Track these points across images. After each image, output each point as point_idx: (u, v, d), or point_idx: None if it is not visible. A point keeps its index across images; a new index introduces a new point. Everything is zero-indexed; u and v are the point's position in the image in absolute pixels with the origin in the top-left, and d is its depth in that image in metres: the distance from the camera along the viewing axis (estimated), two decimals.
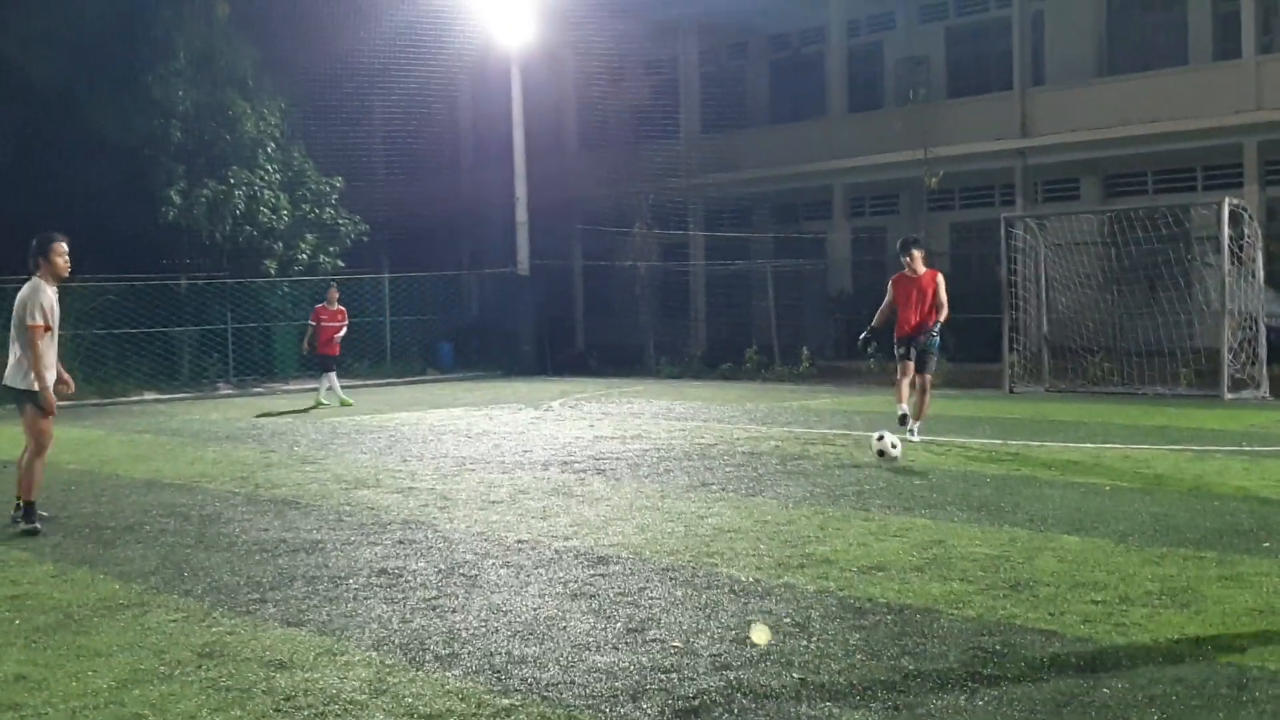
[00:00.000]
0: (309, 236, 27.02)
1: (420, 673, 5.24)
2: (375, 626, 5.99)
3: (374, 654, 5.52)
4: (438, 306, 29.89)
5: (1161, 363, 19.28)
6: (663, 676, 5.10)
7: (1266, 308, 18.95)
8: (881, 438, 11.25)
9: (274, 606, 6.44)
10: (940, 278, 13.47)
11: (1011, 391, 19.79)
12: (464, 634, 5.82)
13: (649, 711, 4.70)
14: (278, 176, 26.68)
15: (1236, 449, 12.02)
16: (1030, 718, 4.54)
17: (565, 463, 12.05)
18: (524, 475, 11.24)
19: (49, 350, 8.79)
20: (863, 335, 13.98)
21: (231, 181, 25.67)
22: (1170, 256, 19.90)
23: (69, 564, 7.72)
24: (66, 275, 8.99)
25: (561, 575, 7.02)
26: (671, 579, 6.87)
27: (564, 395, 21.31)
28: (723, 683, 5.00)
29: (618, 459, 12.22)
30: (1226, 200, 18.58)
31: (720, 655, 5.37)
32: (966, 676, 4.99)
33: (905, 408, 13.25)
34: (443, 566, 7.33)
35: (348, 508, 9.62)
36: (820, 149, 28.99)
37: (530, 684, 5.05)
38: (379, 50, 29.08)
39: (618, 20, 29.40)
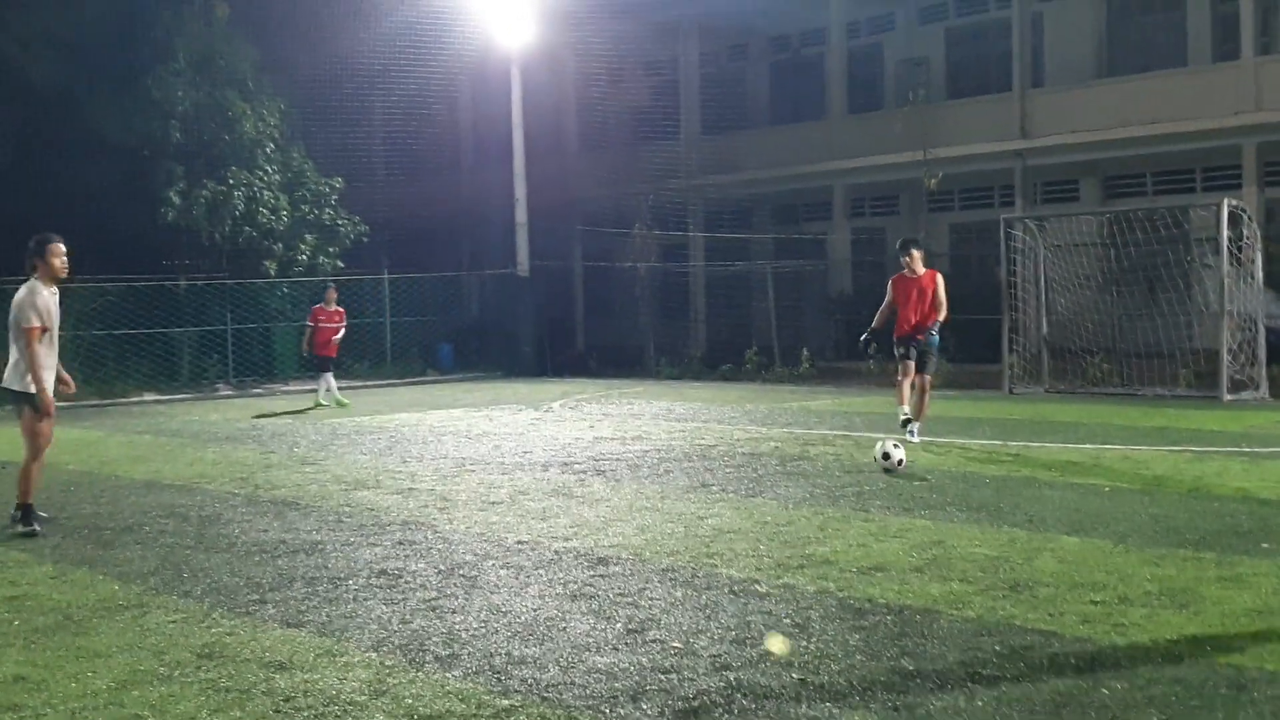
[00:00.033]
0: (308, 237, 27.02)
1: (420, 674, 5.24)
2: (375, 627, 5.99)
3: (374, 655, 5.52)
4: (438, 307, 29.88)
5: (1161, 364, 19.29)
6: (662, 677, 5.10)
7: (1266, 309, 18.95)
8: (897, 446, 10.91)
9: (273, 607, 6.44)
10: (940, 278, 13.48)
11: (1011, 392, 19.78)
12: (464, 635, 5.82)
13: (649, 712, 4.71)
14: (277, 177, 26.67)
15: (1236, 450, 12.02)
16: (1029, 718, 4.54)
17: (565, 464, 12.06)
18: (524, 476, 11.24)
19: (49, 353, 8.78)
20: (864, 337, 13.97)
21: (231, 182, 25.67)
22: (1169, 258, 19.90)
23: (68, 565, 7.72)
24: (64, 276, 8.97)
25: (561, 576, 7.02)
26: (671, 580, 6.88)
27: (564, 396, 21.32)
28: (722, 683, 5.00)
29: (618, 460, 12.22)
30: (1225, 201, 18.58)
31: (720, 656, 5.37)
32: (966, 677, 5.00)
33: (907, 410, 13.24)
34: (442, 567, 7.34)
35: (347, 509, 9.62)
36: (820, 150, 28.99)
37: (530, 685, 5.05)
38: (379, 51, 29.09)
39: (618, 21, 29.41)
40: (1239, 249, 18.55)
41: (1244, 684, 4.83)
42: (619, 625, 5.93)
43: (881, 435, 13.38)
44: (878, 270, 26.04)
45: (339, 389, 21.04)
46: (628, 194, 29.73)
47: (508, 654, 5.49)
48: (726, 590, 6.60)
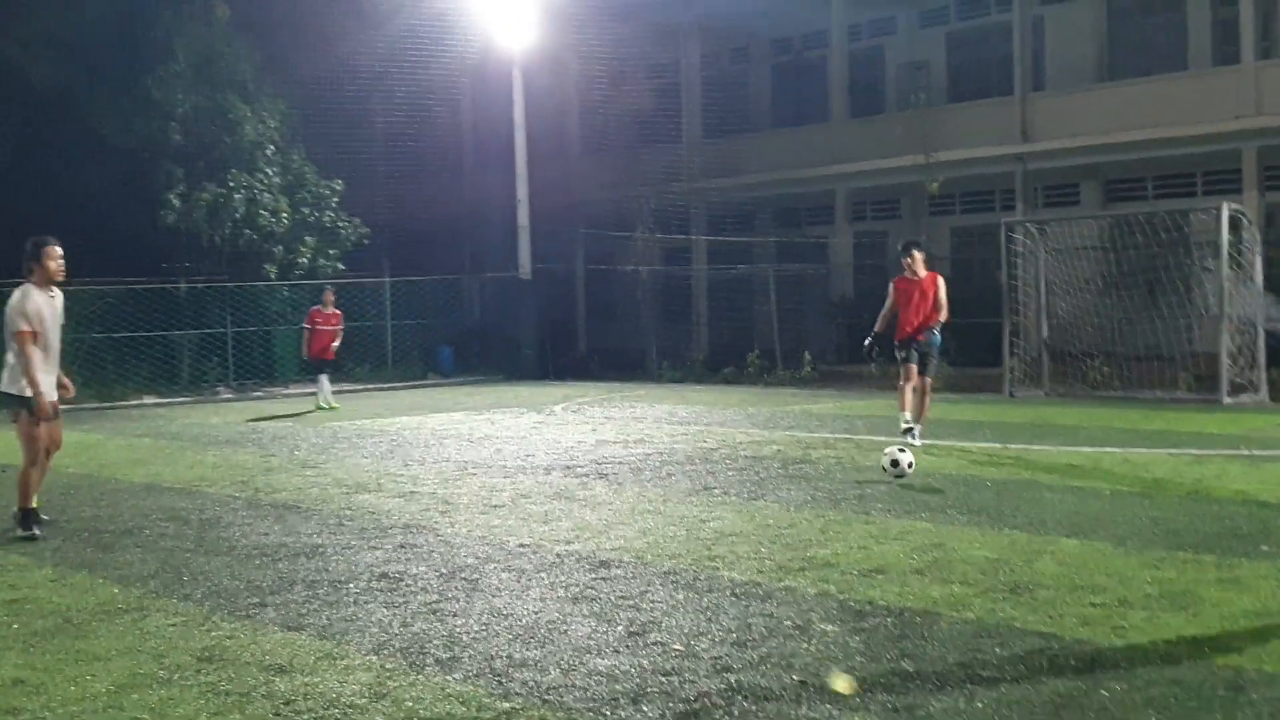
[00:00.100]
0: (309, 240, 27.03)
1: (420, 676, 5.24)
2: (375, 630, 5.99)
3: (374, 658, 5.52)
4: (439, 310, 29.89)
5: (1161, 367, 19.29)
6: (663, 679, 5.10)
7: (1266, 313, 18.96)
8: (902, 450, 10.56)
9: (274, 611, 6.45)
10: (940, 280, 13.48)
11: (1011, 396, 19.79)
12: (465, 638, 5.82)
13: (649, 714, 4.71)
14: (278, 180, 26.69)
15: (1235, 453, 12.02)
16: (1029, 719, 4.55)
17: (567, 467, 12.06)
18: (526, 479, 11.25)
19: (48, 356, 8.75)
20: (867, 341, 13.91)
21: (231, 185, 25.68)
22: (1170, 261, 19.91)
23: (68, 568, 7.73)
24: (60, 279, 8.94)
25: (563, 579, 7.03)
26: (673, 582, 6.88)
27: (566, 399, 21.32)
28: (723, 685, 5.00)
29: (620, 463, 12.22)
30: (1226, 205, 18.60)
31: (721, 658, 5.38)
32: (966, 679, 5.00)
33: (909, 417, 13.22)
34: (444, 570, 7.34)
35: (348, 512, 9.62)
36: (822, 154, 29.01)
37: (531, 687, 5.05)
38: (380, 53, 29.11)
39: (619, 24, 29.43)
40: (1239, 253, 18.56)
41: (1243, 685, 4.83)
42: (620, 628, 5.93)
43: (882, 438, 13.42)
44: (879, 274, 26.03)
45: (332, 392, 20.98)
46: (629, 197, 29.74)
47: (509, 657, 5.49)
48: (728, 593, 6.60)
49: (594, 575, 7.10)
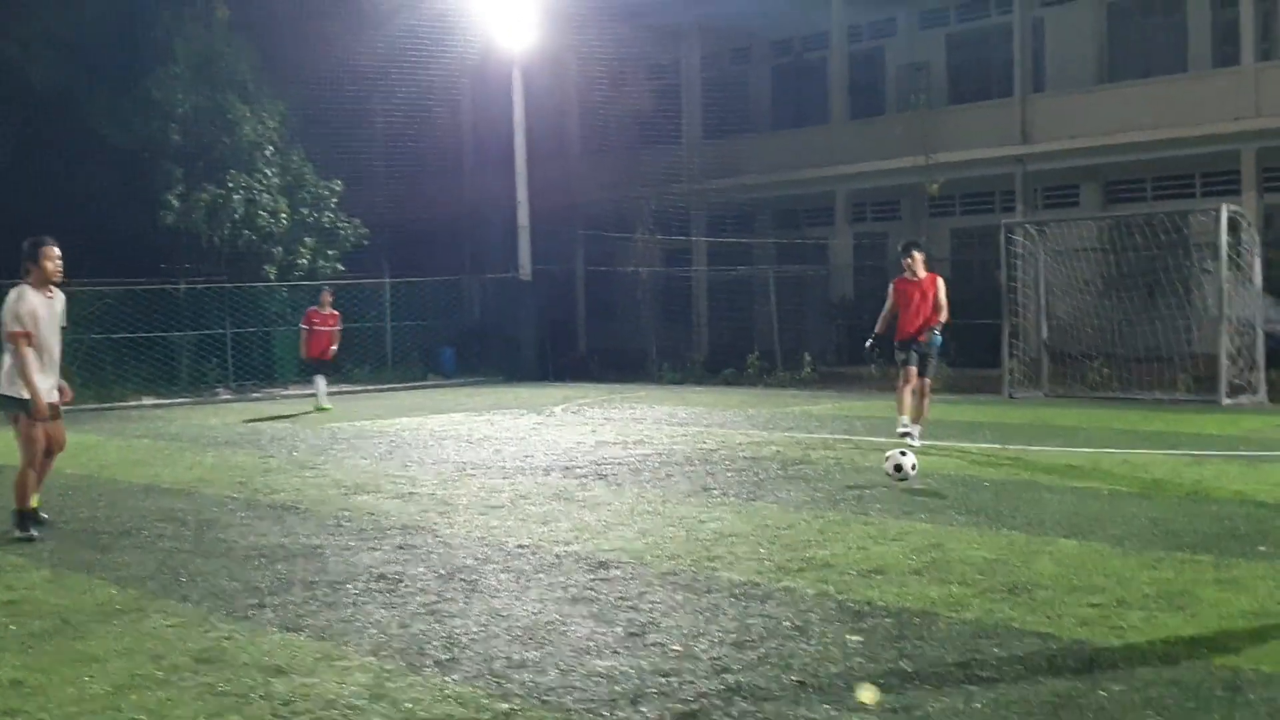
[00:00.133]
0: (308, 240, 27.02)
1: (419, 678, 5.24)
2: (374, 631, 5.99)
3: (372, 659, 5.52)
4: (439, 311, 29.88)
5: (1160, 368, 19.30)
6: (662, 680, 5.10)
7: (1265, 314, 18.96)
8: (904, 454, 10.30)
9: (272, 612, 6.44)
10: (940, 281, 13.48)
11: (1011, 396, 19.79)
12: (463, 639, 5.82)
13: (648, 715, 4.71)
14: (277, 180, 26.69)
15: (1234, 454, 12.03)
16: (1027, 719, 4.55)
17: (567, 468, 12.06)
18: (525, 480, 11.25)
19: (43, 357, 8.71)
20: (869, 343, 13.86)
21: (230, 185, 25.68)
22: (1169, 263, 19.92)
23: (66, 569, 7.72)
24: (57, 279, 8.92)
25: (562, 580, 7.02)
26: (672, 583, 6.88)
27: (565, 400, 21.32)
28: (722, 686, 5.01)
29: (619, 464, 12.22)
30: (1225, 207, 18.61)
31: (720, 659, 5.38)
32: (964, 679, 5.00)
33: (906, 420, 13.21)
34: (442, 571, 7.34)
35: (347, 513, 9.62)
36: (822, 155, 29.02)
37: (529, 688, 5.05)
38: (380, 54, 29.10)
39: (619, 25, 29.44)
40: (1238, 254, 18.57)
41: (1240, 686, 4.83)
42: (619, 629, 5.93)
43: (881, 439, 13.42)
44: (879, 275, 26.04)
45: (328, 394, 20.92)
46: (630, 198, 29.75)
47: (507, 658, 5.49)
48: (727, 593, 6.60)
49: (593, 576, 7.10)
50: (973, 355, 22.00)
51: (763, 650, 5.49)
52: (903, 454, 10.33)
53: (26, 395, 8.59)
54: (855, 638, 5.66)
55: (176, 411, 21.70)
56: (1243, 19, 23.94)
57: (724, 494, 10.12)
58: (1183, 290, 20.20)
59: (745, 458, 12.51)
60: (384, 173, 32.63)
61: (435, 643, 5.76)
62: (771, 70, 33.10)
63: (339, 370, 22.91)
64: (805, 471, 11.36)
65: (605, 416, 18.05)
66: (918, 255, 13.44)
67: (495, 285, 30.93)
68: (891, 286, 13.64)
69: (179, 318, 25.54)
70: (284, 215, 26.42)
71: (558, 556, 7.69)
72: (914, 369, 13.23)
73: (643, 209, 29.20)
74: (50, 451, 9.09)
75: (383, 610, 6.41)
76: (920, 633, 5.72)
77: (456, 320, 30.96)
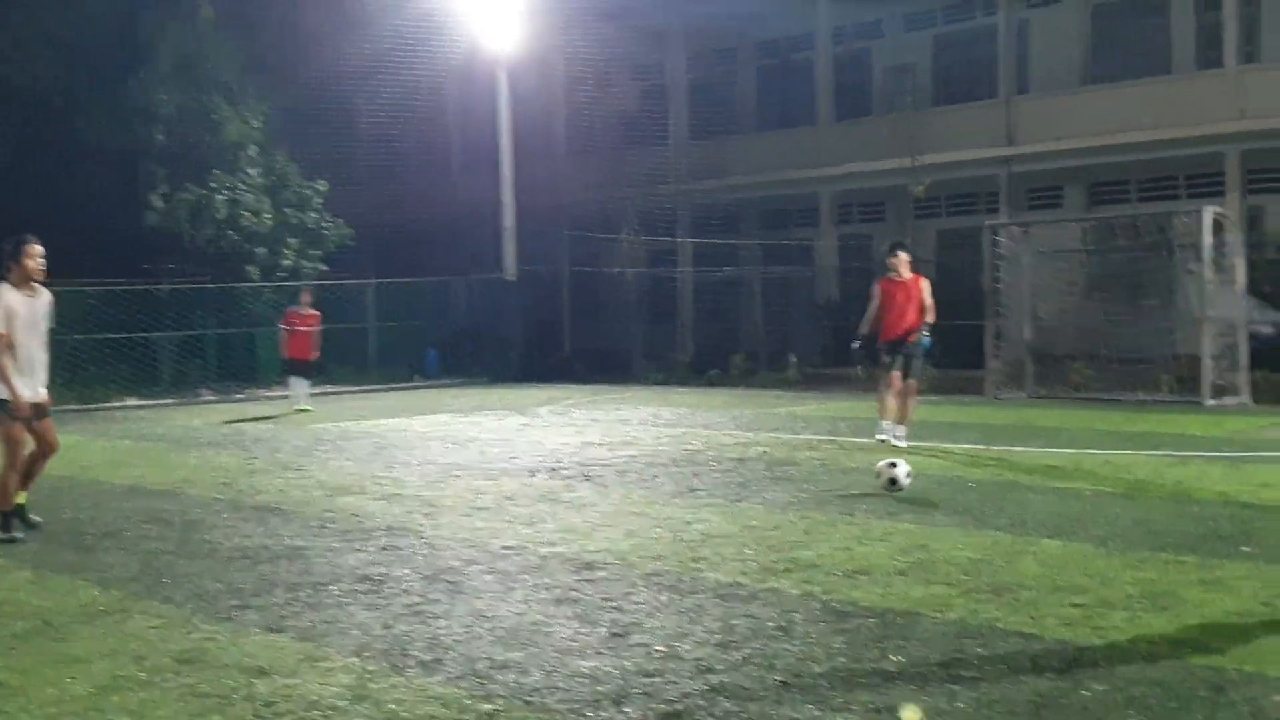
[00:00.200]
0: (292, 241, 26.93)
1: (402, 679, 5.22)
2: (357, 633, 5.97)
3: (355, 660, 5.50)
4: (423, 312, 29.81)
5: (1143, 369, 19.37)
6: (646, 681, 5.10)
7: (1249, 316, 19.05)
8: (894, 465, 9.91)
9: (255, 613, 6.42)
10: (925, 282, 13.50)
11: (995, 398, 19.85)
12: (447, 640, 5.81)
13: (632, 716, 4.70)
14: (260, 181, 26.59)
15: (1217, 455, 12.09)
16: (1010, 719, 4.56)
17: (552, 469, 12.05)
18: (510, 482, 11.23)
19: (17, 354, 8.63)
20: (855, 345, 13.81)
21: (213, 185, 25.59)
22: (1153, 264, 20.00)
23: (48, 570, 7.68)
24: (39, 278, 8.86)
25: (546, 581, 7.01)
26: (656, 584, 6.88)
27: (551, 401, 21.30)
28: (706, 686, 5.01)
29: (605, 465, 12.22)
30: (1208, 209, 18.69)
31: (704, 659, 5.38)
32: (947, 679, 5.01)
33: (886, 425, 13.22)
34: (427, 573, 7.32)
35: (331, 514, 9.59)
36: (808, 156, 29.05)
37: (513, 689, 5.04)
38: (365, 54, 29.03)
39: (604, 26, 29.42)
40: (1222, 256, 18.65)
41: (1223, 686, 4.85)
42: (603, 630, 5.92)
43: (866, 440, 13.46)
44: (865, 277, 26.02)
45: (310, 394, 20.82)
46: (615, 199, 29.74)
47: (491, 659, 5.48)
48: (711, 594, 6.60)
49: (578, 577, 7.09)
50: (957, 356, 22.04)
51: (747, 651, 5.49)
52: (893, 465, 9.98)
53: (5, 395, 8.53)
54: (839, 638, 5.67)
55: (159, 412, 21.61)
56: (1226, 22, 24.06)
57: (709, 495, 10.12)
58: (1167, 291, 20.27)
59: (730, 459, 12.51)
60: (369, 173, 32.53)
61: (419, 644, 5.74)
62: (757, 71, 33.12)
63: (322, 371, 22.80)
64: (790, 472, 11.37)
65: (590, 418, 18.04)
66: (903, 256, 13.47)
67: (480, 286, 30.87)
68: (877, 287, 13.66)
69: (162, 318, 25.40)
70: (267, 215, 26.33)
71: (542, 558, 7.68)
72: (898, 373, 13.25)
73: (628, 210, 29.18)
74: (44, 453, 9.04)
75: (366, 611, 6.39)
76: (904, 633, 5.73)
77: (441, 321, 30.90)
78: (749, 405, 19.75)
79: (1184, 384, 18.70)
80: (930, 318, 13.37)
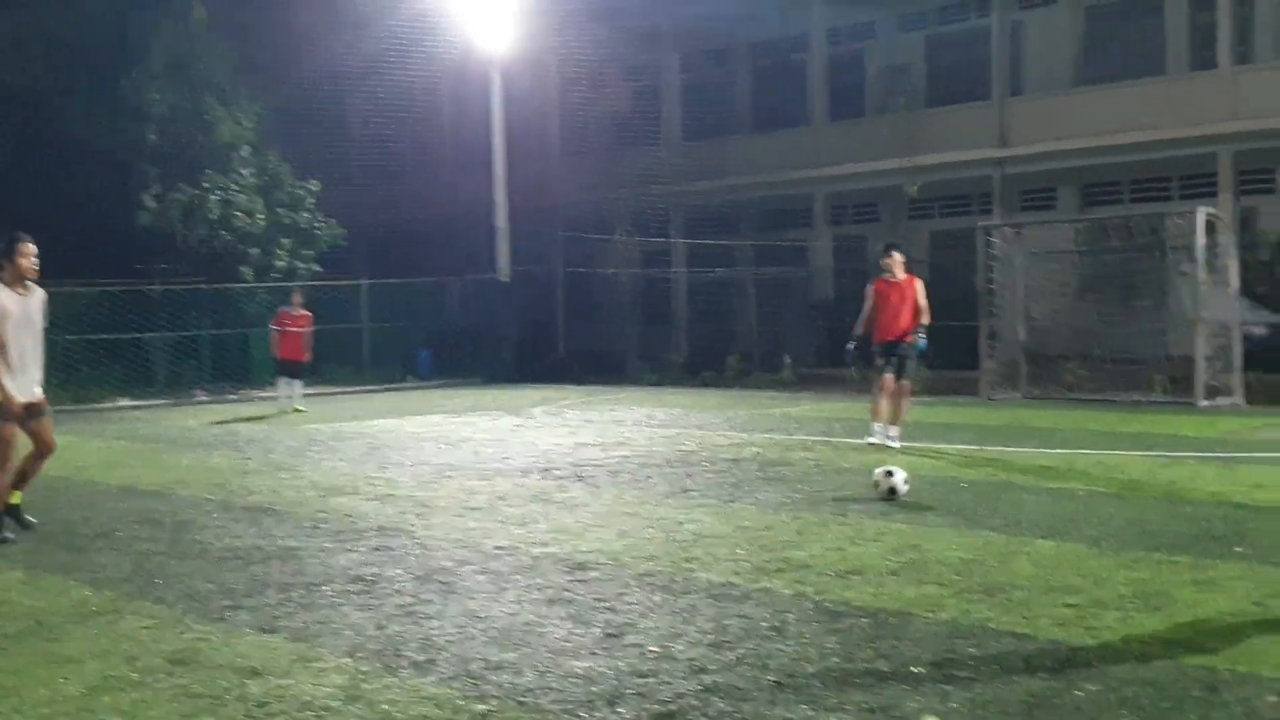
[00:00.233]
0: (285, 241, 26.88)
1: (395, 679, 5.21)
2: (350, 633, 5.96)
3: (348, 660, 5.49)
4: (417, 313, 29.78)
5: (1137, 370, 19.40)
6: (639, 681, 5.10)
7: (1242, 317, 19.09)
8: (890, 474, 9.65)
9: (247, 613, 6.40)
10: (919, 283, 13.51)
11: (989, 398, 19.87)
12: (440, 640, 5.80)
13: (625, 716, 4.70)
14: (253, 181, 26.55)
15: (1210, 455, 12.11)
16: (1003, 719, 4.56)
17: (545, 469, 12.04)
18: (503, 482, 11.22)
19: (6, 353, 8.59)
20: (851, 346, 13.77)
21: (206, 186, 25.55)
22: (1146, 265, 20.03)
23: (41, 571, 7.66)
24: (32, 276, 8.84)
25: (539, 581, 7.01)
26: (649, 584, 6.87)
27: (545, 402, 21.29)
28: (699, 686, 5.00)
29: (598, 466, 12.21)
30: (1201, 210, 18.73)
31: (697, 659, 5.37)
32: (940, 678, 5.01)
33: (878, 428, 13.22)
34: (419, 573, 7.31)
35: (324, 515, 9.57)
36: (802, 157, 29.06)
37: (506, 690, 5.03)
38: (358, 55, 29.00)
39: (598, 27, 29.42)
40: (1215, 257, 18.68)
41: (1216, 686, 4.85)
42: (596, 630, 5.92)
43: (860, 441, 13.45)
44: (859, 277, 25.99)
45: (288, 396, 20.73)
46: (609, 199, 29.73)
47: (484, 659, 5.47)
48: (704, 594, 6.59)
49: (571, 577, 7.08)
50: (951, 357, 22.03)
51: (740, 651, 5.49)
52: (890, 474, 9.68)
53: None
54: (832, 638, 5.67)
55: (153, 413, 21.57)
56: (1219, 22, 24.11)
57: (702, 495, 10.12)
58: (1160, 292, 20.30)
59: (724, 459, 12.51)
60: (362, 174, 32.50)
61: (412, 644, 5.73)
62: (752, 72, 33.12)
63: (315, 372, 22.75)
64: (784, 473, 11.37)
65: (584, 418, 18.03)
66: (897, 256, 13.47)
67: (474, 286, 30.84)
68: (871, 288, 13.66)
69: (155, 319, 25.35)
70: (260, 216, 26.28)
71: (535, 558, 7.67)
72: (891, 377, 13.25)
73: (622, 211, 29.17)
74: (40, 454, 9.01)
75: (359, 612, 6.38)
76: (896, 633, 5.73)
77: (435, 322, 30.86)
78: (743, 406, 19.75)
79: (1177, 385, 18.72)
80: (925, 319, 13.38)
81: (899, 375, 13.31)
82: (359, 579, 7.17)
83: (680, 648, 5.57)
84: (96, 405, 22.77)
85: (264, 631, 6.02)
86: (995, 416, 16.95)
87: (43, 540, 8.73)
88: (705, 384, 25.08)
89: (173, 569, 7.60)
